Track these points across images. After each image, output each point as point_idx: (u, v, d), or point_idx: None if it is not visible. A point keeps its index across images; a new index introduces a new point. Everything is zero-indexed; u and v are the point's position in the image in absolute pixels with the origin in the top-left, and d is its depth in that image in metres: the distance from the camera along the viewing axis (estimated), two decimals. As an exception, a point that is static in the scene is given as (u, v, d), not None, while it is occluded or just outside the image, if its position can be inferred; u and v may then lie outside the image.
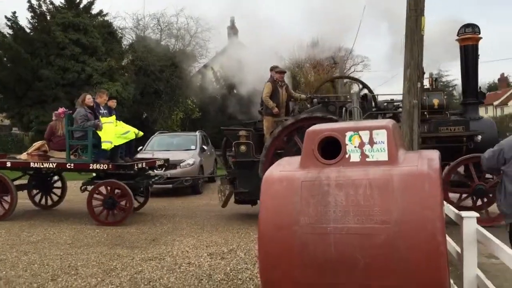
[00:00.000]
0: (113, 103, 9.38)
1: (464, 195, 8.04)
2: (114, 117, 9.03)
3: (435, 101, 8.51)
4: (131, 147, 9.11)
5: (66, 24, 20.63)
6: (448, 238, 4.19)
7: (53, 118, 9.35)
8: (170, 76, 22.33)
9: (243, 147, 8.25)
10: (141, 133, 9.12)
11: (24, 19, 27.92)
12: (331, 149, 3.34)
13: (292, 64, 31.32)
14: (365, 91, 9.38)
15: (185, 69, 24.39)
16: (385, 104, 8.84)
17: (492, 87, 54.48)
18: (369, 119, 8.03)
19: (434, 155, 3.24)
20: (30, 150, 9.10)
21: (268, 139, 8.11)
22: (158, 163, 9.49)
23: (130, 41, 24.55)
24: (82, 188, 8.74)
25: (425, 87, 8.65)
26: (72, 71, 20.30)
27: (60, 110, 9.13)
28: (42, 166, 8.61)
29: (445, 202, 4.36)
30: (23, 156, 9.10)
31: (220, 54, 29.35)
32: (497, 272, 4.90)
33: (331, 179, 3.13)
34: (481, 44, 8.68)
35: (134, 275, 5.28)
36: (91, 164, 8.22)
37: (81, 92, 20.22)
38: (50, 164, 8.55)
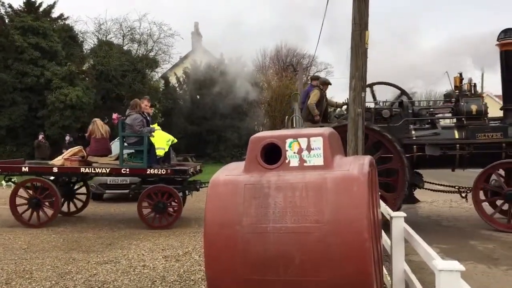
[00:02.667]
0: (151, 110, 9.54)
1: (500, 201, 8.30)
2: (156, 124, 9.22)
3: (473, 107, 8.38)
4: (169, 153, 9.27)
5: (25, 28, 20.32)
6: (385, 236, 4.54)
7: (91, 123, 9.41)
8: (132, 81, 22.27)
9: None
10: (175, 140, 9.36)
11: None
12: (275, 154, 3.62)
13: (257, 69, 31.81)
14: (404, 97, 9.15)
15: (148, 74, 24.39)
16: (421, 110, 8.85)
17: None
18: (405, 125, 8.28)
19: (365, 160, 3.54)
20: (66, 156, 8.97)
21: None
22: (197, 168, 9.68)
23: (92, 45, 24.36)
24: (131, 193, 8.90)
25: (463, 92, 8.62)
26: (31, 75, 20.00)
27: (114, 115, 9.17)
28: (94, 171, 8.61)
29: (382, 203, 4.71)
30: (58, 162, 8.89)
31: (183, 60, 29.57)
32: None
33: (271, 182, 3.39)
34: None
35: (89, 278, 5.40)
36: (148, 169, 8.32)
37: (39, 96, 20.08)
38: (103, 169, 8.50)
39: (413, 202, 8.87)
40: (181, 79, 26.12)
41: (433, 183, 9.15)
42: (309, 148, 3.50)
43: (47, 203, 8.62)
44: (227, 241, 3.33)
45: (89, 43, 24.84)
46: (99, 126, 9.10)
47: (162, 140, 8.61)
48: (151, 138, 8.49)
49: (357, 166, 3.37)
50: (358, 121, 6.14)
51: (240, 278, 3.31)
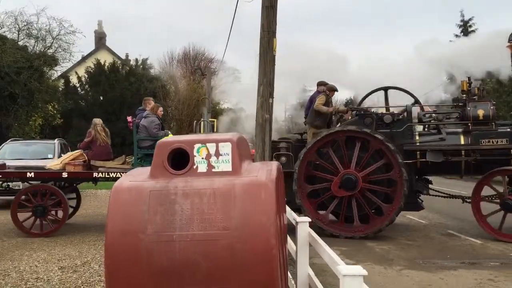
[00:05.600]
0: (161, 112, 8.88)
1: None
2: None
3: (480, 112, 8.09)
4: None
5: None
6: (290, 241, 4.62)
7: (92, 127, 8.68)
8: (28, 79, 20.72)
9: (283, 158, 8.15)
10: None
11: None
12: (182, 160, 3.52)
13: (163, 72, 31.20)
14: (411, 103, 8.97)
15: (46, 72, 22.87)
16: (426, 115, 8.62)
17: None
18: (408, 130, 8.11)
19: (273, 166, 3.56)
20: (66, 160, 8.15)
21: (302, 151, 7.96)
22: None
23: (-19, 39, 22.28)
24: None
25: (472, 97, 8.34)
26: None
27: (129, 118, 8.50)
28: (109, 176, 7.99)
29: (287, 208, 4.80)
30: (56, 166, 8.08)
31: (86, 59, 28.19)
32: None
33: (178, 188, 3.28)
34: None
35: (-28, 294, 4.89)
36: None
37: None
38: (118, 173, 7.85)
39: (418, 209, 8.70)
40: (82, 79, 24.83)
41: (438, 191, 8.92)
42: (217, 154, 3.45)
43: (53, 211, 8.11)
44: (130, 250, 3.16)
45: (-22, 37, 22.71)
46: (103, 132, 8.67)
47: None
48: None
49: (265, 172, 3.38)
50: (266, 127, 6.22)
51: (144, 289, 3.16)
